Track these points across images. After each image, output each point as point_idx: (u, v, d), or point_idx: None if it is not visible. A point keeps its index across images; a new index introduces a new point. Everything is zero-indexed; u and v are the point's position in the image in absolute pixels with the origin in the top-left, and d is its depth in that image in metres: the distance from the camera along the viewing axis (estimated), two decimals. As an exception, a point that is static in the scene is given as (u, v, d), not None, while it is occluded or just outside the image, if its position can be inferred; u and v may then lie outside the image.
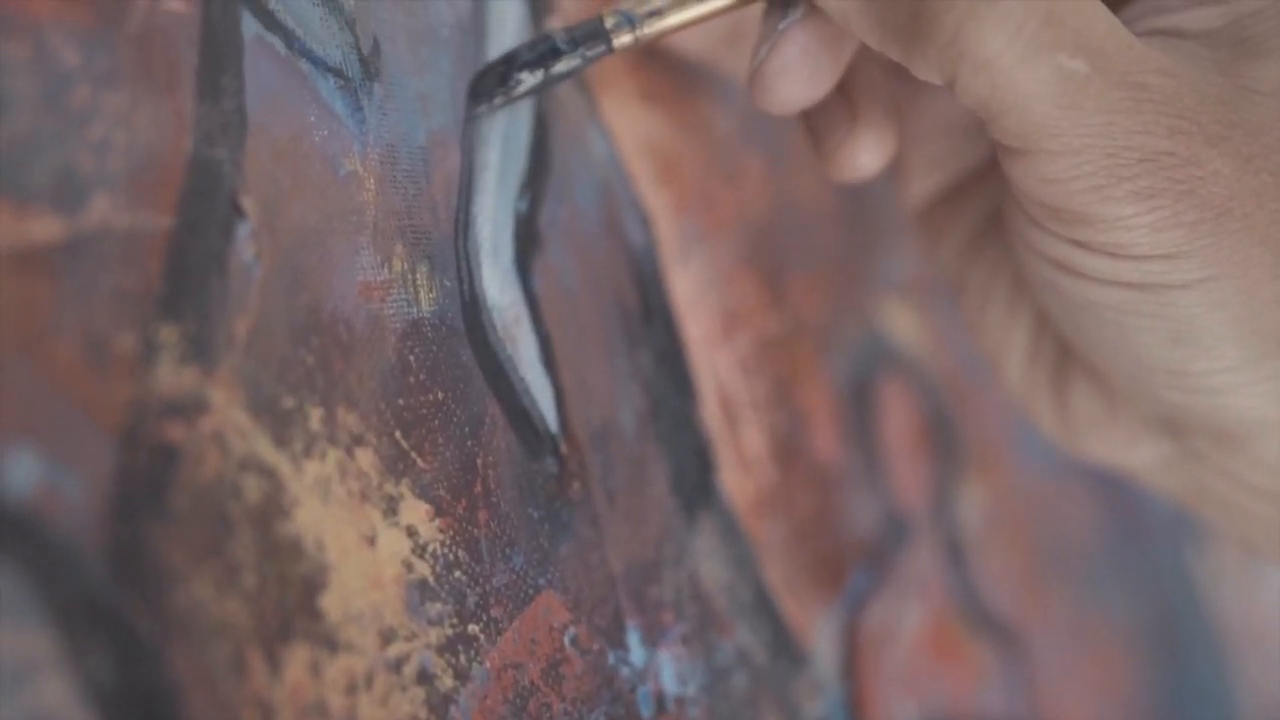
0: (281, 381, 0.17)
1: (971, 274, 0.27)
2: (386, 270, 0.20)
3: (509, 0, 0.25)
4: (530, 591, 0.21)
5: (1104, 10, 0.20)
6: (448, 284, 0.21)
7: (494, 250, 0.23)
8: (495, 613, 0.20)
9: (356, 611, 0.17)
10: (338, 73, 0.20)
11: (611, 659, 0.22)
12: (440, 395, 0.20)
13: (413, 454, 0.19)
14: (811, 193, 0.33)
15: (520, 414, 0.22)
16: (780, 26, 0.23)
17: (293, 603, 0.17)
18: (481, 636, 0.19)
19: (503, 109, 0.24)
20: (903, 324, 0.36)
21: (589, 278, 0.25)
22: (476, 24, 0.24)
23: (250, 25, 0.19)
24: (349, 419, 0.18)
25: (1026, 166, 0.21)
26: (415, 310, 0.20)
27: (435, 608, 0.19)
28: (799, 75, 0.23)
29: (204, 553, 0.16)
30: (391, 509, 0.19)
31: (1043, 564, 0.39)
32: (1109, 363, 0.24)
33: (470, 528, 0.20)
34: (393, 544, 0.18)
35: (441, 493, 0.20)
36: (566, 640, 0.21)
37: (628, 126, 0.27)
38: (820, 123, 0.25)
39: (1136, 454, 0.26)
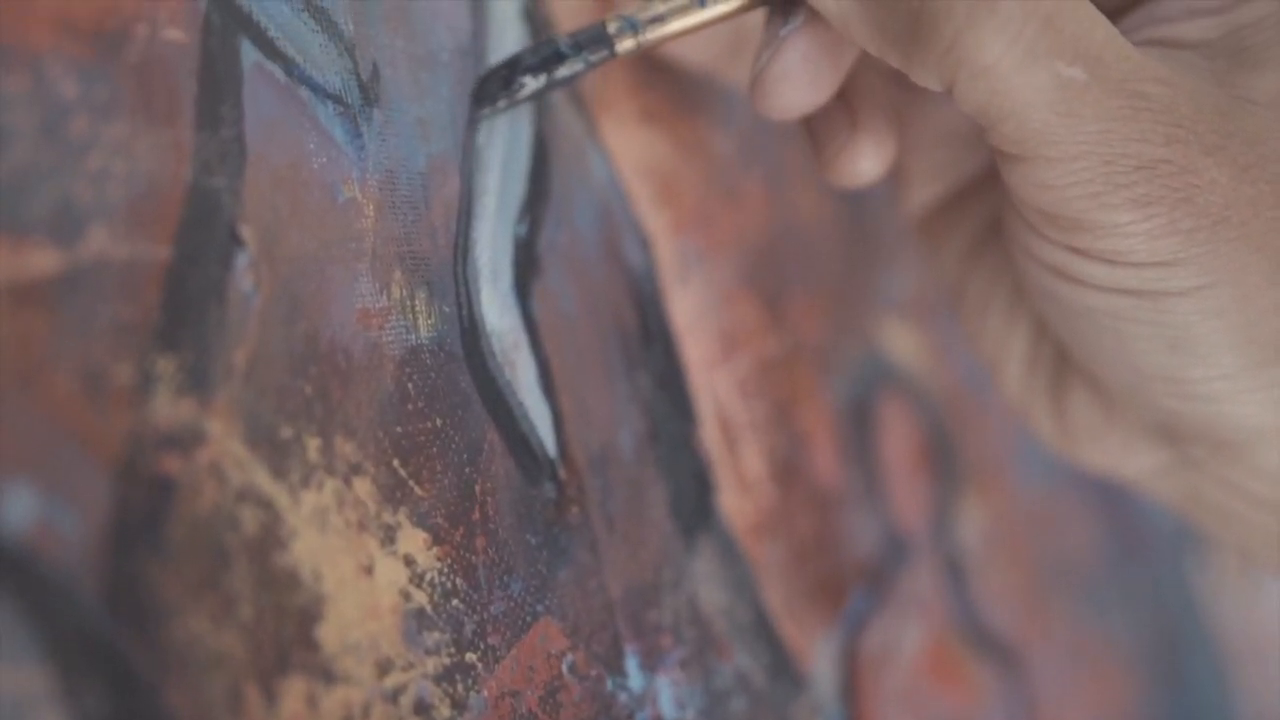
0: (279, 411, 0.17)
1: (971, 282, 0.27)
2: (385, 297, 0.20)
3: (509, 24, 0.25)
4: (528, 619, 0.21)
5: (1102, 19, 0.21)
6: (446, 310, 0.21)
7: (493, 275, 0.23)
8: (493, 640, 0.20)
9: (353, 642, 0.17)
10: (337, 99, 0.20)
11: (610, 685, 0.22)
12: (439, 422, 0.20)
13: (410, 482, 0.19)
14: (811, 212, 0.33)
15: (519, 439, 0.22)
16: (782, 33, 0.23)
17: (289, 635, 0.17)
18: (479, 665, 0.19)
19: (504, 133, 0.24)
20: (902, 343, 0.36)
21: (588, 301, 0.25)
22: (476, 48, 0.24)
23: (250, 53, 0.19)
24: (347, 448, 0.18)
25: (1024, 173, 0.21)
26: (414, 337, 0.20)
27: (433, 637, 0.19)
28: (800, 81, 0.23)
29: (200, 586, 0.16)
30: (389, 538, 0.19)
31: (1043, 582, 0.39)
32: (1107, 370, 0.24)
33: (468, 555, 0.20)
34: (390, 573, 0.18)
35: (439, 520, 0.19)
36: (564, 667, 0.21)
37: (627, 148, 0.27)
38: (821, 129, 0.25)
39: (1134, 462, 0.26)
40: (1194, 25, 0.22)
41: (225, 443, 0.17)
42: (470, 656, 0.19)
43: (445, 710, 0.19)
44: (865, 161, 0.25)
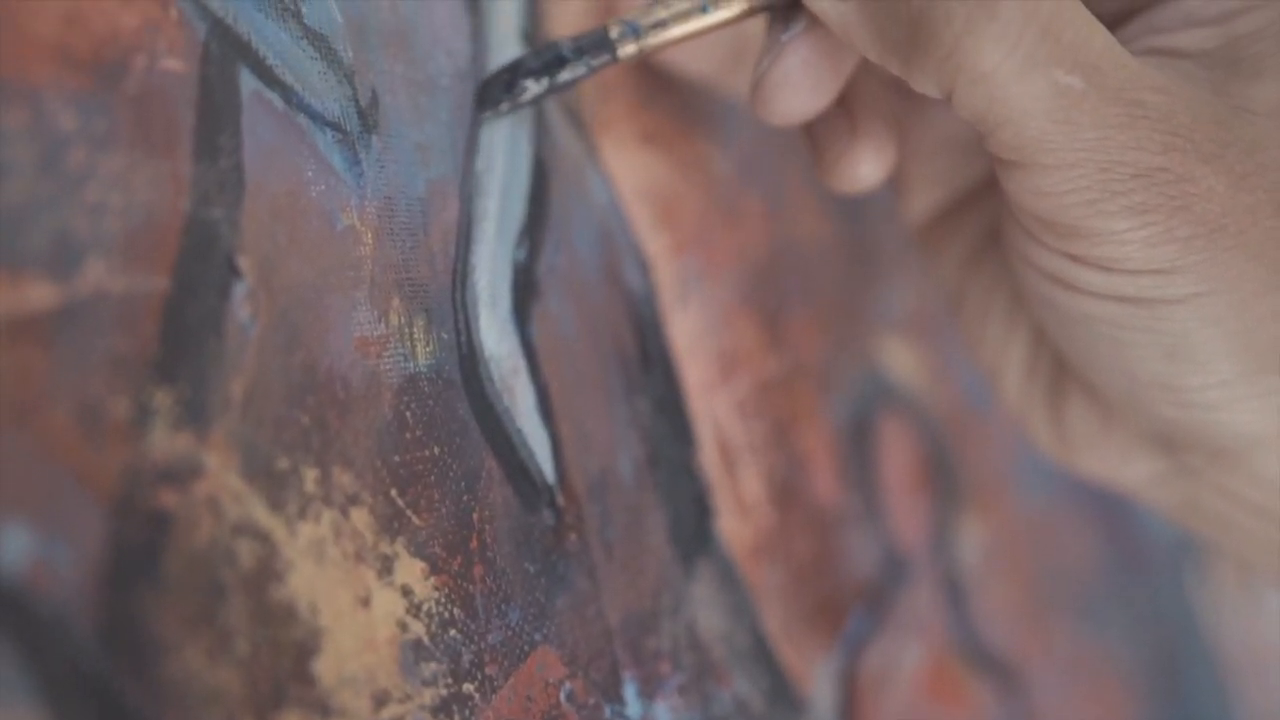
0: (277, 443, 0.17)
1: (970, 290, 0.27)
2: (383, 325, 0.20)
3: (508, 46, 0.25)
4: (526, 647, 0.21)
5: (1100, 28, 0.21)
6: (445, 336, 0.21)
7: (492, 300, 0.22)
8: (490, 670, 0.20)
9: (350, 675, 0.17)
10: (336, 126, 0.20)
11: (608, 713, 0.22)
12: (437, 450, 0.20)
13: (408, 511, 0.19)
14: (810, 230, 0.33)
15: (517, 466, 0.22)
16: (783, 38, 0.23)
17: (285, 669, 0.16)
18: (476, 695, 0.19)
19: (503, 157, 0.24)
20: (902, 360, 0.36)
21: (588, 325, 0.25)
22: (476, 71, 0.24)
23: (249, 81, 0.19)
24: (344, 478, 0.18)
25: (1022, 180, 0.21)
26: (412, 364, 0.20)
27: (429, 668, 0.19)
28: (800, 86, 0.23)
29: (196, 621, 0.16)
30: (386, 568, 0.18)
31: (1042, 598, 0.39)
32: (1104, 377, 0.24)
33: (466, 584, 0.20)
34: (387, 604, 0.18)
35: (437, 550, 0.19)
36: (562, 696, 0.21)
37: (627, 170, 0.27)
38: (821, 135, 0.25)
39: (1132, 470, 0.26)
40: (1192, 35, 0.22)
41: (222, 476, 0.16)
42: (468, 687, 0.19)
43: (442, 742, 0.18)
44: (865, 167, 0.25)
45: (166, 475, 0.16)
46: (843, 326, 0.34)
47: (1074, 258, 0.22)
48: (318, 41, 0.20)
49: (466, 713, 0.19)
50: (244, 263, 0.18)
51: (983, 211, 0.27)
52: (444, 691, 0.19)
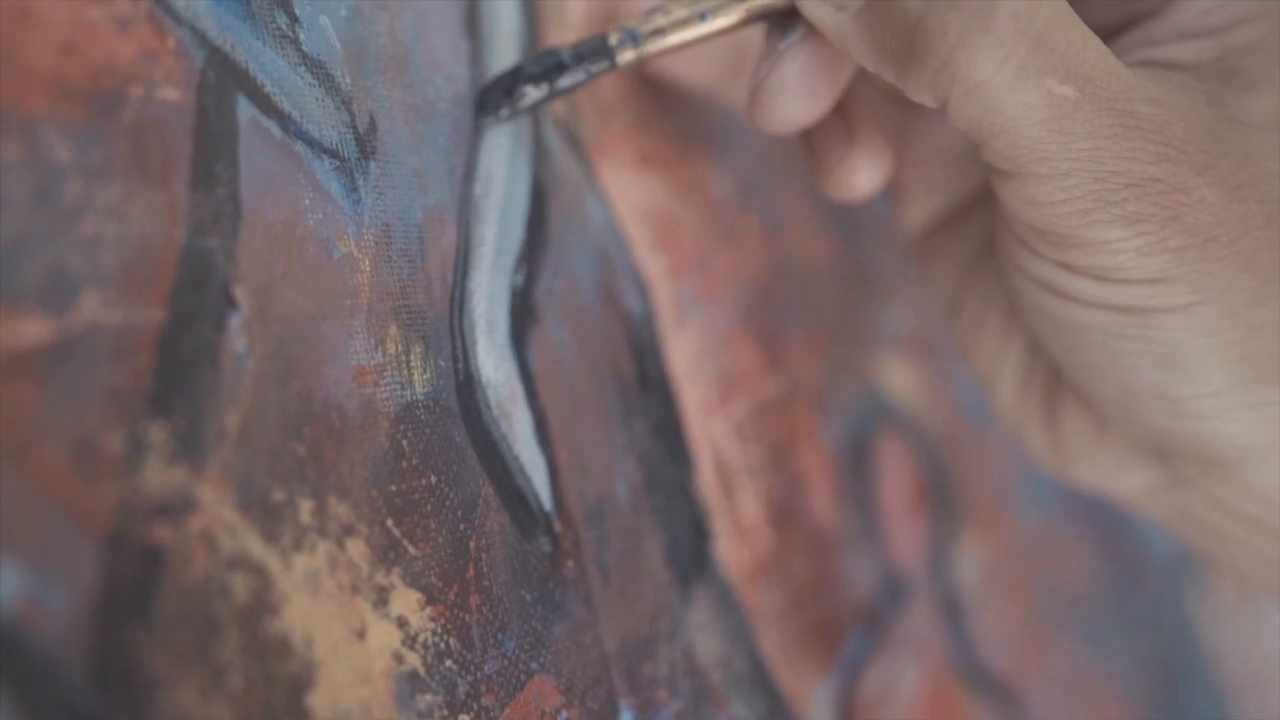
0: (272, 475, 0.17)
1: (966, 299, 0.28)
2: (380, 353, 0.20)
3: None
4: (522, 677, 0.20)
5: (1094, 39, 0.21)
6: (442, 364, 0.21)
7: (489, 326, 0.22)
8: (486, 701, 0.20)
9: (345, 709, 0.17)
10: (333, 153, 0.20)
11: (604, 741, 0.22)
12: (433, 479, 0.20)
13: (404, 541, 0.19)
14: (808, 251, 0.33)
15: (514, 494, 0.22)
16: (780, 47, 0.23)
17: (280, 704, 0.16)
18: (472, 726, 0.19)
19: (502, 182, 0.24)
20: (900, 379, 0.36)
21: (586, 349, 0.25)
22: (473, 96, 0.24)
23: (246, 110, 0.19)
24: (340, 509, 0.18)
25: (1016, 189, 0.22)
26: (409, 393, 0.20)
27: (425, 699, 0.19)
28: (797, 94, 0.23)
29: (189, 657, 0.15)
30: (382, 599, 0.18)
31: (1041, 616, 0.39)
32: (1098, 387, 0.24)
33: (462, 614, 0.20)
34: (383, 636, 0.18)
35: (433, 580, 0.19)
36: (558, 725, 0.21)
37: (625, 192, 0.27)
38: (818, 142, 0.25)
39: (1126, 480, 0.26)
40: (1187, 47, 0.22)
41: (216, 509, 0.16)
42: (463, 718, 0.19)
43: (437, 774, 0.18)
44: (862, 175, 0.25)
45: (160, 510, 0.16)
46: (841, 347, 0.34)
47: (1068, 267, 0.22)
48: (315, 68, 0.20)
49: (462, 744, 0.19)
50: (240, 293, 0.18)
51: (978, 221, 0.27)
52: (439, 723, 0.19)
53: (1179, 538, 0.28)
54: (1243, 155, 0.21)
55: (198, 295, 0.17)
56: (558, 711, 0.21)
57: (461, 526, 0.20)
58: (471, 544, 0.20)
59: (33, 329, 0.15)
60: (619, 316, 0.26)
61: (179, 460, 0.16)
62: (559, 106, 0.26)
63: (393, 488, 0.19)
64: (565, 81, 0.23)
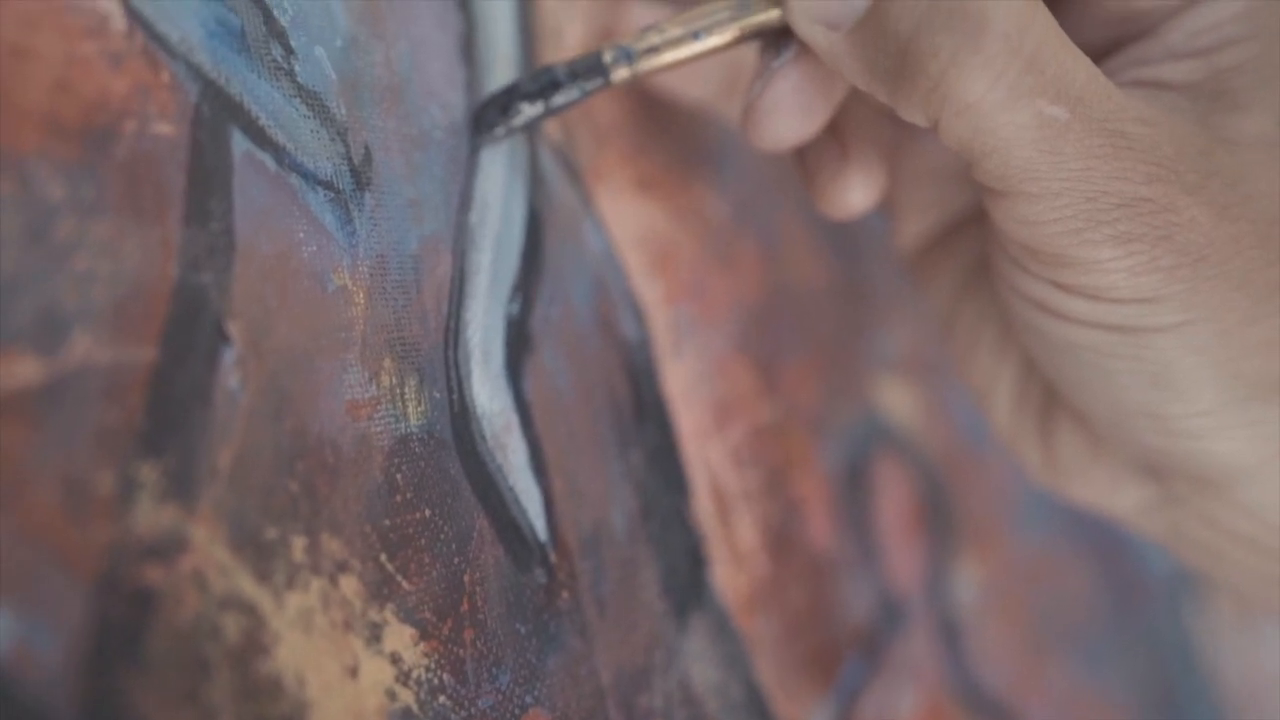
0: (265, 512, 0.17)
1: (961, 316, 0.28)
2: (374, 386, 0.20)
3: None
4: (517, 711, 0.20)
5: (1085, 60, 0.21)
6: (437, 395, 0.21)
7: (484, 357, 0.22)
8: (480, 736, 0.20)
9: (337, 749, 0.17)
10: (328, 185, 0.20)
11: (599, 774, 0.22)
12: (428, 512, 0.20)
13: (398, 576, 0.19)
14: (805, 273, 0.33)
15: (509, 525, 0.22)
16: (774, 65, 0.23)
17: (272, 745, 0.16)
18: (466, 762, 0.19)
19: (497, 210, 0.24)
20: (898, 401, 0.36)
21: (581, 377, 0.25)
22: (469, 119, 0.24)
23: (240, 143, 0.19)
24: (333, 545, 0.18)
25: (1008, 208, 0.22)
26: (403, 426, 0.20)
27: (418, 736, 0.18)
28: (790, 112, 0.24)
29: (180, 699, 0.15)
30: (375, 636, 0.18)
31: (1039, 637, 0.38)
32: (1091, 405, 0.25)
33: (456, 649, 0.20)
34: (375, 673, 0.18)
35: (427, 614, 0.19)
36: (553, 759, 0.21)
37: (622, 217, 0.27)
38: (812, 160, 0.25)
39: (1121, 497, 0.26)
40: (1177, 67, 0.22)
41: (208, 549, 0.16)
42: (457, 755, 0.19)
43: (430, 812, 0.18)
44: (855, 192, 0.25)
45: (151, 551, 0.16)
46: (838, 369, 0.33)
47: (1060, 285, 0.22)
48: (310, 99, 0.20)
49: (455, 781, 0.19)
50: (233, 328, 0.18)
51: (973, 238, 0.27)
52: (433, 760, 0.19)
53: (1176, 555, 0.28)
54: (1233, 175, 0.21)
55: (190, 331, 0.17)
56: (552, 745, 0.21)
57: (456, 560, 0.20)
58: (466, 577, 0.20)
59: (24, 370, 0.15)
60: (615, 343, 0.26)
61: (170, 500, 0.16)
62: (555, 133, 0.26)
63: (386, 522, 0.19)
64: (560, 99, 0.23)
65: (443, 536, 0.20)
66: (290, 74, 0.20)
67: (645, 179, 0.28)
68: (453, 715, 0.19)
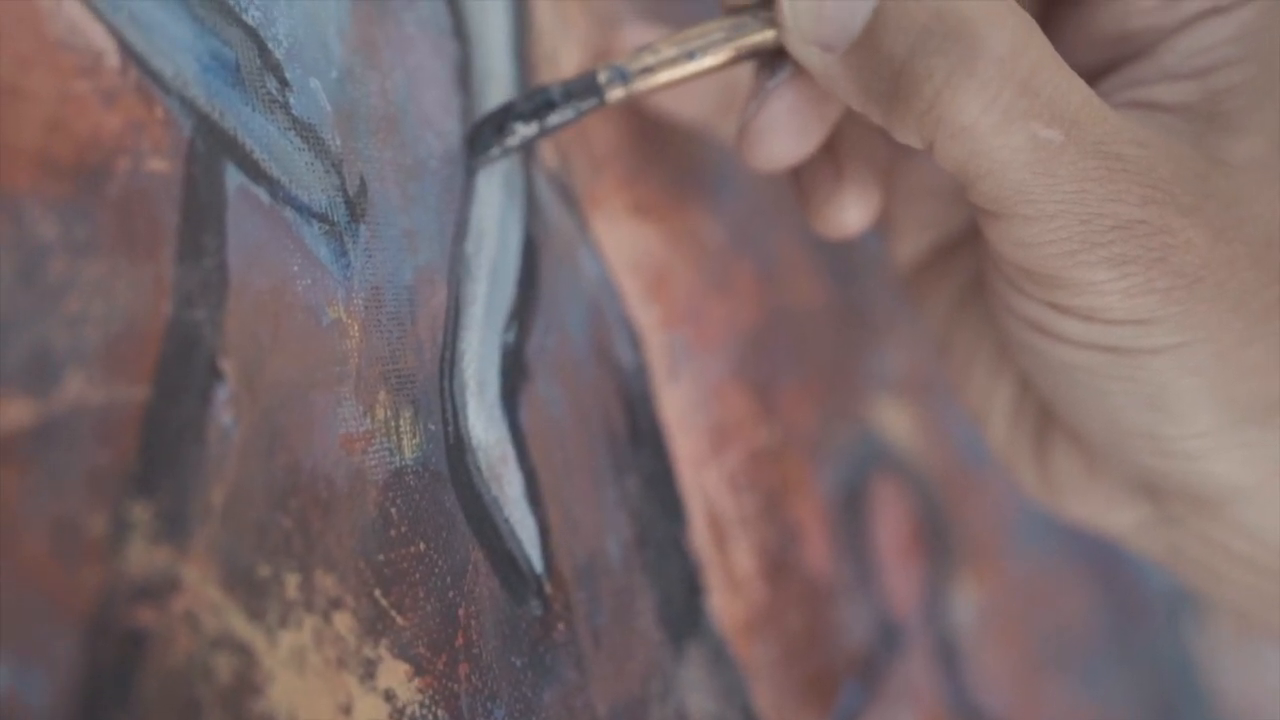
0: (258, 549, 0.17)
1: (957, 335, 0.28)
2: (369, 420, 0.20)
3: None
4: (512, 745, 0.20)
5: (1079, 83, 0.21)
6: (432, 428, 0.21)
7: (480, 387, 0.22)
8: (475, 771, 0.19)
9: (330, 789, 0.17)
10: (323, 218, 0.20)
11: (595, 806, 0.22)
12: (422, 546, 0.20)
13: (392, 612, 0.19)
14: (802, 295, 0.33)
15: (505, 557, 0.21)
16: (769, 85, 0.23)
17: (264, 787, 0.16)
18: (460, 799, 0.19)
19: (493, 239, 0.24)
20: (896, 421, 0.36)
21: (577, 405, 0.25)
22: (465, 153, 0.24)
23: (234, 177, 0.19)
24: (327, 581, 0.18)
25: (1003, 230, 0.22)
26: (398, 459, 0.20)
27: (412, 773, 0.18)
28: (785, 132, 0.24)
29: (172, 743, 0.15)
30: (369, 673, 0.18)
31: (1038, 657, 0.38)
32: (1087, 425, 0.25)
33: (450, 684, 0.19)
34: (369, 711, 0.18)
35: (421, 650, 0.19)
36: (548, 793, 0.21)
37: (618, 243, 0.27)
38: (808, 180, 0.25)
39: (1117, 516, 0.26)
40: (1172, 89, 0.22)
41: (201, 589, 0.16)
42: (451, 791, 0.19)
43: None
44: (851, 212, 0.25)
45: (143, 592, 0.16)
46: (835, 392, 0.33)
47: (1055, 307, 0.22)
48: (305, 131, 0.20)
49: (450, 818, 0.19)
50: (226, 364, 0.18)
51: (969, 257, 0.27)
52: (427, 797, 0.18)
53: (1172, 572, 0.28)
54: (1229, 197, 0.21)
55: (183, 369, 0.17)
56: (547, 779, 0.21)
57: (450, 594, 0.20)
58: (460, 611, 0.20)
59: (15, 412, 0.15)
60: (611, 370, 0.26)
61: (163, 540, 0.16)
62: (551, 159, 0.26)
63: (380, 557, 0.19)
64: (555, 119, 0.23)
65: (437, 570, 0.20)
66: (285, 107, 0.20)
67: (641, 203, 0.28)
68: (447, 751, 0.19)
